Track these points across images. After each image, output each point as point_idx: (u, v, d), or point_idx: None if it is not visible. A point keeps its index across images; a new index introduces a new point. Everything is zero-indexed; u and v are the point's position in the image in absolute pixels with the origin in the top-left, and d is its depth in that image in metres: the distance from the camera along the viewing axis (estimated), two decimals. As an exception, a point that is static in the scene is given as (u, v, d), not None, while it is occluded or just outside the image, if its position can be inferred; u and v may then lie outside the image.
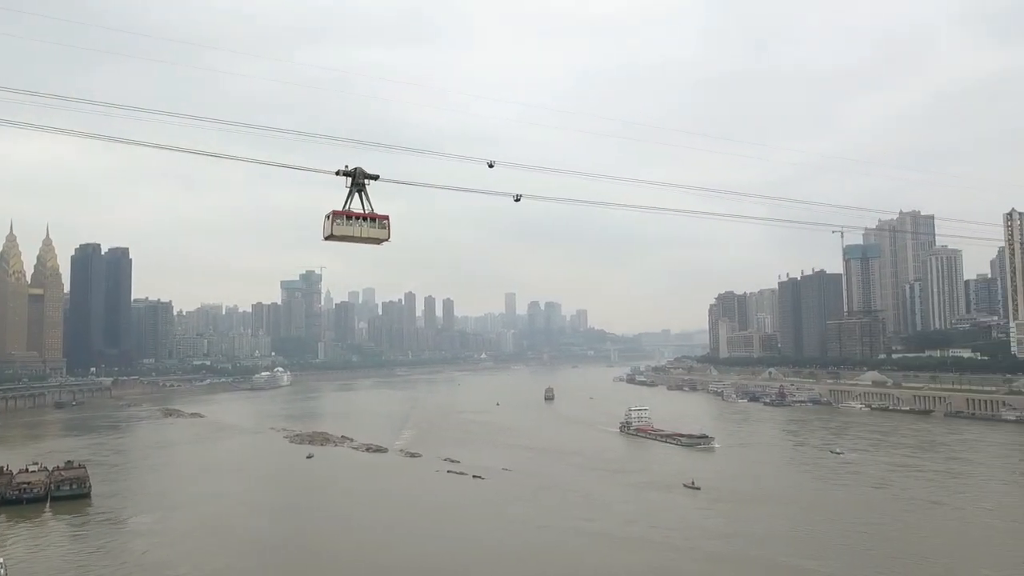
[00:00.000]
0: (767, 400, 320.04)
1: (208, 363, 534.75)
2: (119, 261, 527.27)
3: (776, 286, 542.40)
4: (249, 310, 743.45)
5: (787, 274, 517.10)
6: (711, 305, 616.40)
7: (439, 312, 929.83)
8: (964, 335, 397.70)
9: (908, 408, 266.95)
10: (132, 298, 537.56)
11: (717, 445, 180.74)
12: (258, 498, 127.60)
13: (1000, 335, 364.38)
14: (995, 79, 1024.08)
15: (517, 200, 50.50)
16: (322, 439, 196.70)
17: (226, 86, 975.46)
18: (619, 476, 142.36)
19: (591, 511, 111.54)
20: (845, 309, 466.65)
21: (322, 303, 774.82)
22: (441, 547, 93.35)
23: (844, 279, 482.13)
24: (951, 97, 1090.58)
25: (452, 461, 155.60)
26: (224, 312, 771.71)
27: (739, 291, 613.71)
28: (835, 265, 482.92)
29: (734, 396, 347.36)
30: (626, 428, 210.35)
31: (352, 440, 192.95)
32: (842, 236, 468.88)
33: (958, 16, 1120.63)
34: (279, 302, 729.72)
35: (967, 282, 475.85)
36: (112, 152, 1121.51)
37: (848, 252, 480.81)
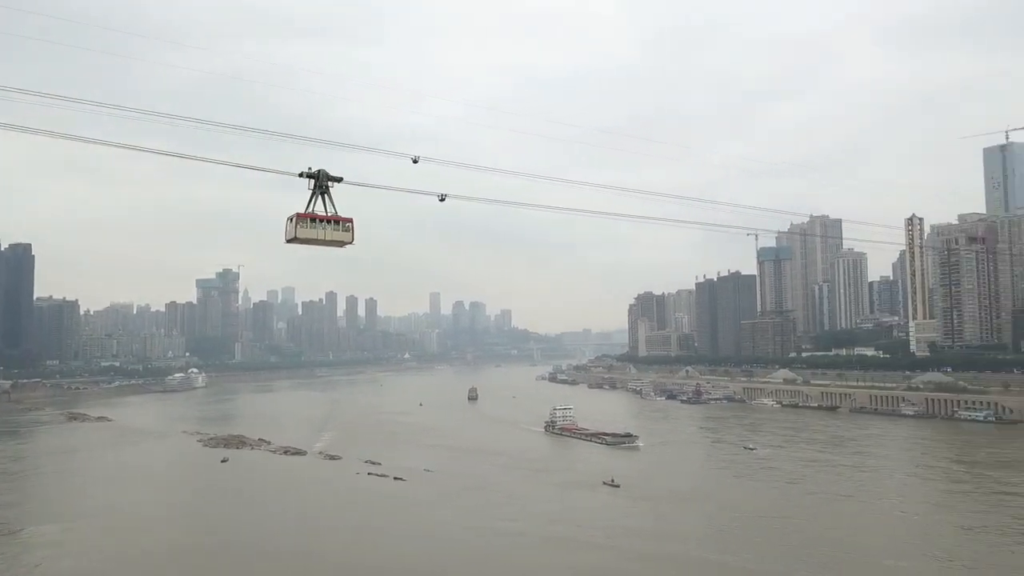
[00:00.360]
0: (684, 398, 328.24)
1: (117, 364, 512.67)
2: (20, 258, 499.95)
3: (694, 287, 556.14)
4: (162, 309, 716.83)
5: (704, 275, 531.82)
6: (631, 305, 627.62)
7: (361, 312, 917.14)
8: (868, 334, 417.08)
9: (816, 405, 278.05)
10: (35, 297, 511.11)
11: (641, 444, 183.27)
12: (169, 505, 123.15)
13: (900, 334, 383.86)
14: (905, 88, 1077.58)
15: (442, 200, 50.06)
16: (238, 442, 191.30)
17: (143, 74, 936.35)
18: (542, 475, 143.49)
19: (514, 511, 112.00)
20: (759, 309, 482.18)
21: (239, 302, 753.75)
22: (358, 552, 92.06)
23: (758, 280, 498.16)
24: (860, 105, 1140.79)
25: (373, 463, 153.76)
26: (135, 311, 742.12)
27: (658, 291, 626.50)
28: (750, 267, 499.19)
29: (652, 394, 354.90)
30: (551, 427, 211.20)
31: (270, 443, 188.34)
32: (756, 239, 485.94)
33: (870, 28, 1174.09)
34: (194, 301, 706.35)
35: (871, 284, 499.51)
36: (14, 142, 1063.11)
37: (762, 254, 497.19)
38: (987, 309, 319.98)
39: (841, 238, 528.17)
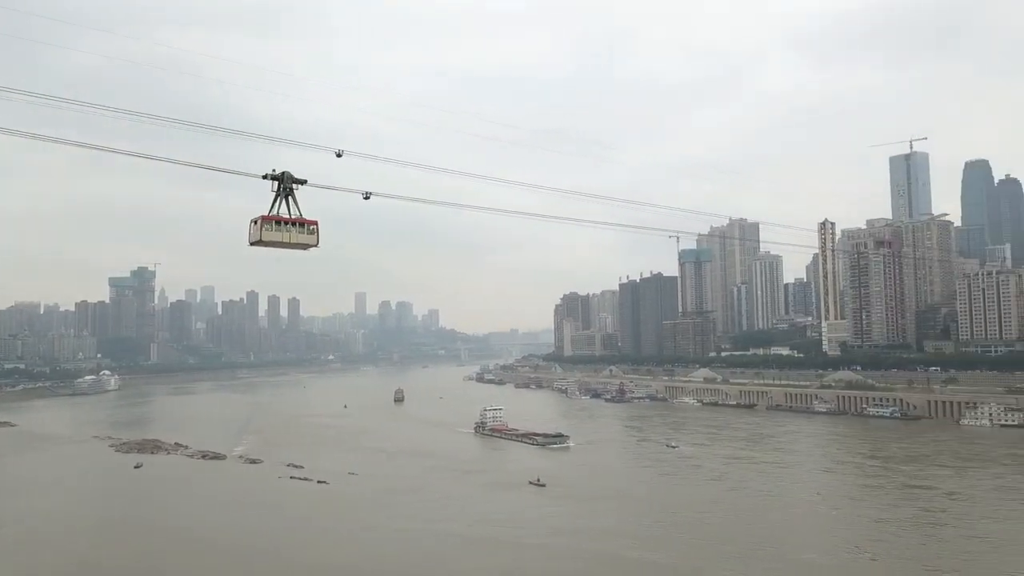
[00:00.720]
0: (608, 397, 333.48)
1: (22, 366, 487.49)
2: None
3: (617, 287, 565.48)
4: (72, 309, 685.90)
5: (627, 276, 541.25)
6: (557, 305, 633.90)
7: (284, 312, 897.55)
8: (783, 334, 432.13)
9: (735, 403, 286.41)
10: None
11: (572, 444, 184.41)
12: (77, 514, 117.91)
13: (814, 334, 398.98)
14: (817, 98, 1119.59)
15: (367, 198, 49.11)
16: (153, 447, 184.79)
17: (46, 60, 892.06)
18: (470, 476, 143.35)
19: (440, 512, 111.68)
20: (680, 310, 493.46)
21: (156, 302, 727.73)
22: (271, 559, 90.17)
23: (679, 282, 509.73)
24: (777, 113, 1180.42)
25: (296, 467, 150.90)
26: (43, 311, 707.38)
27: (583, 292, 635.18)
28: (672, 268, 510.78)
29: (577, 393, 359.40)
30: (481, 428, 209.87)
31: (187, 447, 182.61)
32: (678, 241, 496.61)
33: (786, 40, 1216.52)
34: (107, 300, 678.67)
35: (786, 285, 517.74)
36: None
37: (683, 256, 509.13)
38: (893, 310, 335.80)
39: (758, 241, 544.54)
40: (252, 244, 45.27)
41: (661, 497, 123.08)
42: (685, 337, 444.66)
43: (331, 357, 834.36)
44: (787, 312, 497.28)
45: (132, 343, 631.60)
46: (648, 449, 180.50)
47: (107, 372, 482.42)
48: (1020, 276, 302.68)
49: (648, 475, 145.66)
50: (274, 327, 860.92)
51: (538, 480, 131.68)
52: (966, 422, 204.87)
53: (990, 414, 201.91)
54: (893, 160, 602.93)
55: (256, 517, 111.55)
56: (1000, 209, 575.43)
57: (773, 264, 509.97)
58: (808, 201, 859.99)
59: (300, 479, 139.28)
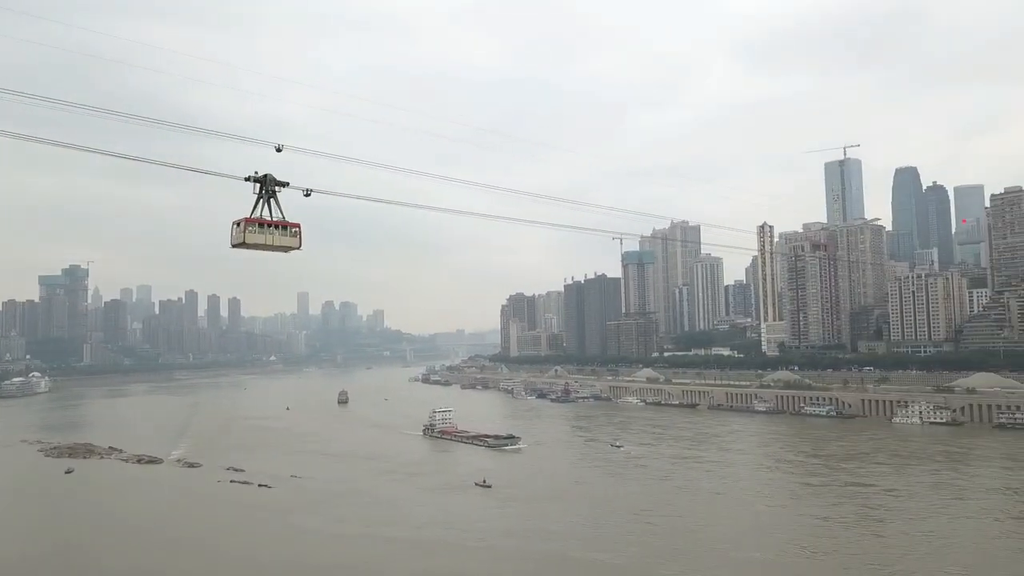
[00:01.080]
0: (553, 397, 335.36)
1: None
2: None
3: (563, 288, 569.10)
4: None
5: (572, 277, 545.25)
6: (503, 306, 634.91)
7: (224, 312, 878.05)
8: (724, 335, 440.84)
9: (678, 402, 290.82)
10: None
11: (524, 445, 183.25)
12: (1, 522, 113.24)
13: (753, 335, 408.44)
14: (757, 104, 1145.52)
15: (307, 195, 47.46)
16: (85, 451, 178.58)
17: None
18: (417, 479, 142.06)
19: (384, 516, 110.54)
20: (623, 311, 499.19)
21: (89, 301, 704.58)
22: (209, 566, 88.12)
23: (623, 283, 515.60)
24: (718, 118, 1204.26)
25: (236, 470, 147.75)
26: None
27: (529, 293, 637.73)
28: (615, 269, 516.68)
29: (523, 393, 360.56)
30: (430, 431, 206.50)
31: (121, 451, 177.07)
32: (621, 243, 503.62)
33: (729, 46, 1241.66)
34: (36, 299, 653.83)
35: (727, 287, 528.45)
36: None
37: (626, 258, 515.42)
38: (829, 312, 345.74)
39: (699, 243, 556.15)
40: (235, 247, 45.09)
41: (609, 497, 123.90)
42: (628, 337, 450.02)
43: (273, 358, 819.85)
44: (727, 313, 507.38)
45: (64, 344, 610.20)
46: (595, 449, 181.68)
47: (37, 374, 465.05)
48: (947, 279, 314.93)
49: (595, 475, 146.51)
50: (214, 327, 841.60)
51: (484, 481, 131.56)
52: (898, 420, 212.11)
53: (920, 413, 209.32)
54: (828, 166, 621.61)
55: (190, 520, 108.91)
56: (928, 215, 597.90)
57: (714, 266, 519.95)
58: (746, 205, 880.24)
59: (241, 483, 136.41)
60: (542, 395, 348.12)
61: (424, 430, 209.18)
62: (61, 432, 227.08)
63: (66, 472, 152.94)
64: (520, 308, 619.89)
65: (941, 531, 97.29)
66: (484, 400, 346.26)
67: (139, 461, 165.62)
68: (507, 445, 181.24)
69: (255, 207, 43.61)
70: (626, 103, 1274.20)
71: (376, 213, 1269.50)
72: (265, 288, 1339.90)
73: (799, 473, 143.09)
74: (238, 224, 44.53)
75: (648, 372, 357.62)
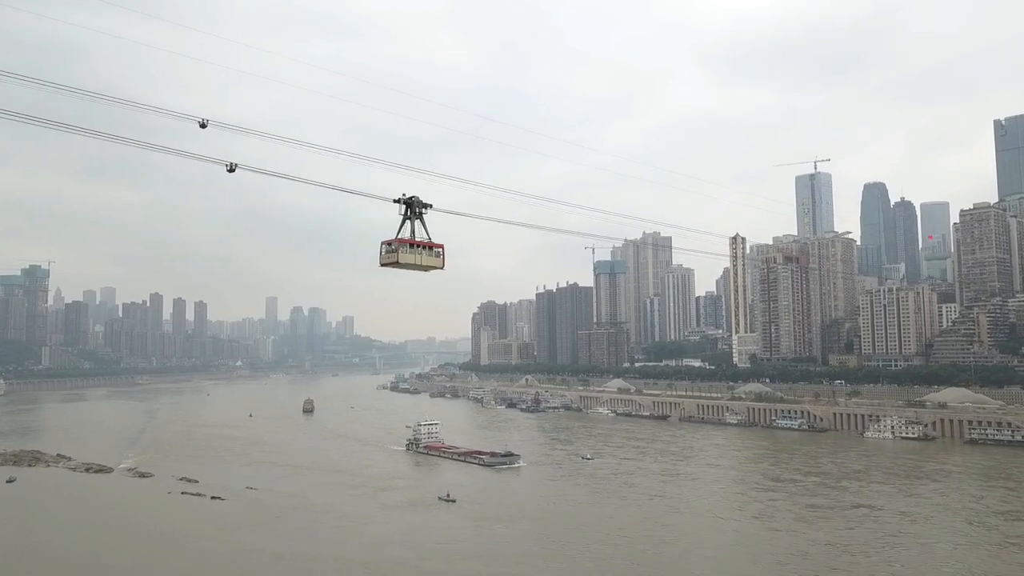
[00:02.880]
0: (523, 406, 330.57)
1: None
2: None
3: (534, 297, 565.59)
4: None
5: (544, 286, 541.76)
6: (474, 314, 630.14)
7: (190, 316, 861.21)
8: (695, 346, 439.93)
9: (649, 413, 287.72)
10: None
11: (524, 464, 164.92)
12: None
13: (724, 346, 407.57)
14: (729, 117, 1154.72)
15: (231, 170, 46.36)
16: (31, 458, 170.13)
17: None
18: (384, 494, 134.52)
19: (340, 534, 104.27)
20: (595, 320, 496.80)
21: (49, 302, 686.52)
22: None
23: (594, 292, 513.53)
24: (693, 129, 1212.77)
25: (190, 480, 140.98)
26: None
27: (501, 301, 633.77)
28: (587, 279, 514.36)
29: (493, 402, 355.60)
30: (414, 446, 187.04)
31: (70, 459, 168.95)
32: (593, 252, 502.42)
33: (698, 58, 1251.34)
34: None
35: (698, 298, 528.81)
36: None
37: (598, 267, 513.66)
38: (801, 324, 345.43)
39: (671, 254, 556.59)
40: (384, 265, 48.42)
41: (575, 513, 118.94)
42: (599, 347, 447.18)
43: (239, 364, 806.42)
44: (698, 324, 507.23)
45: (21, 346, 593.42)
46: (562, 461, 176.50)
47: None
48: (918, 294, 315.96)
49: (563, 488, 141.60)
50: (179, 331, 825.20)
51: (448, 496, 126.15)
52: (869, 435, 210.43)
53: (892, 427, 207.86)
54: (799, 179, 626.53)
55: (126, 535, 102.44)
56: (895, 230, 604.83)
57: (685, 277, 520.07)
58: (716, 216, 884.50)
59: (192, 494, 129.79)
60: (512, 404, 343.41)
61: (407, 445, 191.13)
62: (9, 438, 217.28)
63: (7, 481, 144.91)
64: (491, 316, 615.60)
65: (942, 553, 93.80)
66: (453, 409, 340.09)
67: (88, 470, 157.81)
68: (505, 464, 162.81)
69: (401, 226, 46.71)
70: (597, 114, 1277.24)
71: (347, 218, 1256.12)
72: (233, 292, 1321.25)
73: (798, 493, 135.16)
74: (390, 244, 47.54)
75: (619, 382, 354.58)
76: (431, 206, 46.72)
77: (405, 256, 47.40)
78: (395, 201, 46.07)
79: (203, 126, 47.01)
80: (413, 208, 46.51)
